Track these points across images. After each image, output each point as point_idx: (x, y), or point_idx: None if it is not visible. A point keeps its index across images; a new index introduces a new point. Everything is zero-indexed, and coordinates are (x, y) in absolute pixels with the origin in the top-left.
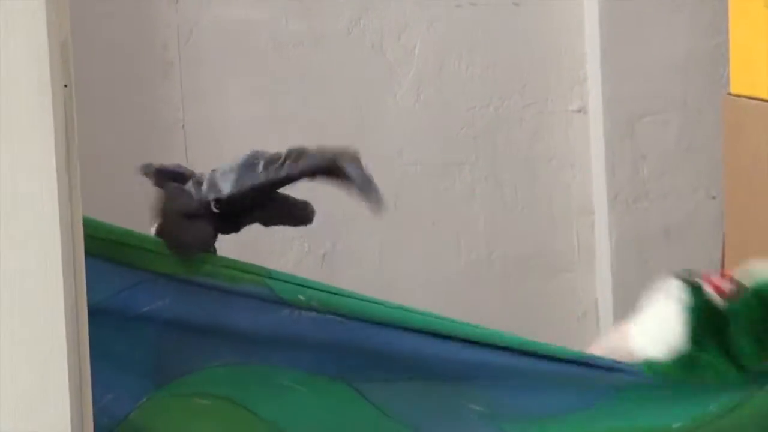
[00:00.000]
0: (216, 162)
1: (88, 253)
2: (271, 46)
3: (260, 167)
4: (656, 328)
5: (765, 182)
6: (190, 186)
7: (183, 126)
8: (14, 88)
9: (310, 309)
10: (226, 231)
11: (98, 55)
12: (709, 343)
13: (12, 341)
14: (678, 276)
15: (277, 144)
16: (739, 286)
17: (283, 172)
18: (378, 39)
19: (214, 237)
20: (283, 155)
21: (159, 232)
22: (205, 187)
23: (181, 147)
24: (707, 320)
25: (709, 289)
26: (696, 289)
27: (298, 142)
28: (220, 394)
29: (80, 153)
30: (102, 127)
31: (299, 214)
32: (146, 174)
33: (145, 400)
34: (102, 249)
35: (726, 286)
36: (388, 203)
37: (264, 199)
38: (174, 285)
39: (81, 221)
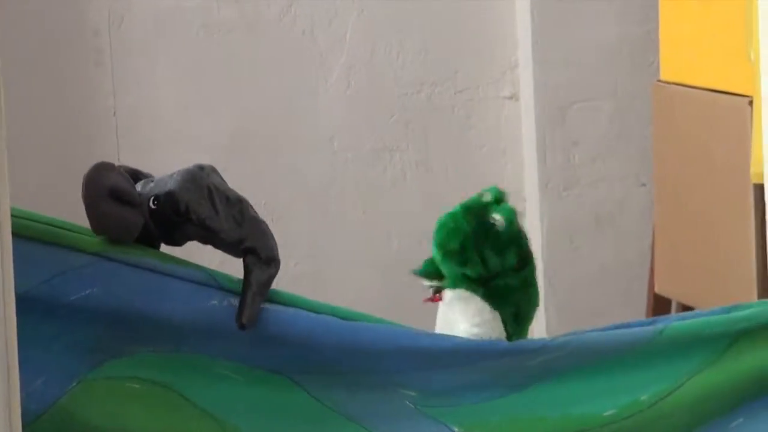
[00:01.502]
0: (147, 149)
1: (18, 237)
2: (203, 33)
3: (212, 201)
4: None
5: (694, 169)
6: (140, 184)
7: (114, 113)
8: None
9: None
10: (164, 237)
11: (28, 41)
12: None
13: None
14: None
15: (208, 131)
16: None
17: (233, 234)
18: (309, 26)
19: (150, 234)
20: (235, 200)
21: (84, 203)
22: (152, 185)
23: (112, 134)
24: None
25: None
26: None
27: (230, 130)
28: (152, 379)
29: (9, 140)
30: (32, 115)
31: (233, 250)
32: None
33: (75, 384)
34: (31, 233)
35: None
36: (319, 190)
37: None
38: (107, 268)
39: (8, 209)
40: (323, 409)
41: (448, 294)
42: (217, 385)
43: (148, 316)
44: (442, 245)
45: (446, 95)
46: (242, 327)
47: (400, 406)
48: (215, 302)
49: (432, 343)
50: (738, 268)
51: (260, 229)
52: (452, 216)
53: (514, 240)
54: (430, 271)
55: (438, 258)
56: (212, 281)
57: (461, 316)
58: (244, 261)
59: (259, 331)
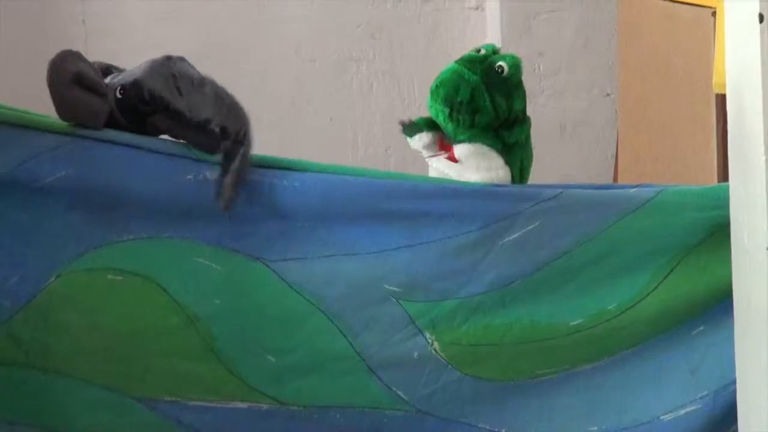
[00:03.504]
0: (116, 57)
1: None
2: None
3: (177, 86)
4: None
5: (657, 80)
6: (111, 77)
7: (83, 21)
8: None
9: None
10: (133, 128)
11: None
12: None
13: None
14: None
15: (176, 40)
16: None
17: (200, 114)
18: None
19: (119, 126)
20: (200, 82)
21: (49, 88)
22: (120, 76)
23: (81, 41)
24: None
25: None
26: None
27: (198, 39)
28: (133, 270)
29: None
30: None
31: (208, 144)
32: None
33: (53, 278)
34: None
35: None
36: (285, 99)
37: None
38: (80, 147)
39: None
40: (304, 304)
41: (463, 149)
42: (196, 276)
43: (125, 197)
44: (448, 99)
45: (412, 5)
46: (226, 208)
47: (381, 299)
48: (191, 177)
49: (419, 197)
50: (700, 176)
51: (229, 104)
52: (453, 71)
53: (520, 85)
54: (421, 125)
55: (444, 113)
56: (187, 153)
57: (476, 172)
58: (220, 146)
59: (241, 209)
